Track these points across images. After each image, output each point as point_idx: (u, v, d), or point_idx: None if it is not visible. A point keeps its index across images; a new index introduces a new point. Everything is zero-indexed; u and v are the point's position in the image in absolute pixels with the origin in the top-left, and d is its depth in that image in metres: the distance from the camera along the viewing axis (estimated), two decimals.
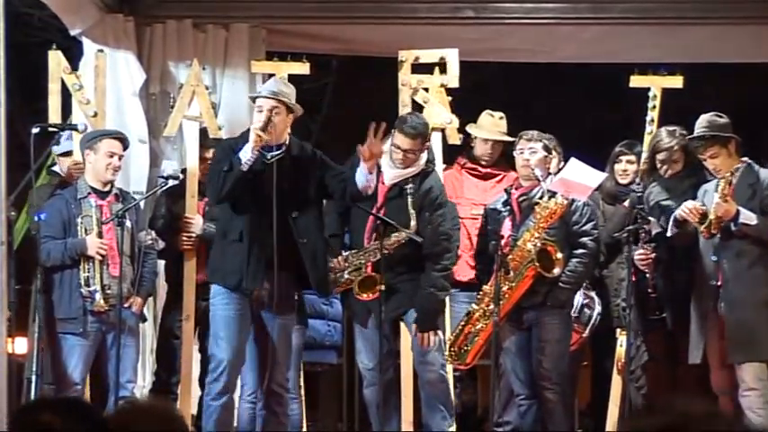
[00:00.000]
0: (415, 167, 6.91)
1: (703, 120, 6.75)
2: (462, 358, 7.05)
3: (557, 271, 6.79)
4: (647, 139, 7.45)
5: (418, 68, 7.75)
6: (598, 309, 7.30)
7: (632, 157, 7.51)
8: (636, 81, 7.61)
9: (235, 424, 6.99)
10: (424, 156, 6.97)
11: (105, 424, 2.80)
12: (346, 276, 6.93)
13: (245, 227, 6.39)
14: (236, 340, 6.49)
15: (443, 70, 7.71)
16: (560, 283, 6.83)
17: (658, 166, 7.03)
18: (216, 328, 6.54)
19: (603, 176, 7.06)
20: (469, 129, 7.83)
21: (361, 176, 6.36)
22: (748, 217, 6.53)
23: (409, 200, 6.82)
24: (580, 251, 6.89)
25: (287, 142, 6.51)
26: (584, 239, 6.90)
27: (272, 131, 6.40)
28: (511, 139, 7.73)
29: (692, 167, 6.79)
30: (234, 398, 6.68)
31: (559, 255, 6.78)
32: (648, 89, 7.54)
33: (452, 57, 7.76)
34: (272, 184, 6.35)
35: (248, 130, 6.54)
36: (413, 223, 6.80)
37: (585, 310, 7.25)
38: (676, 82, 7.57)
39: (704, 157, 6.68)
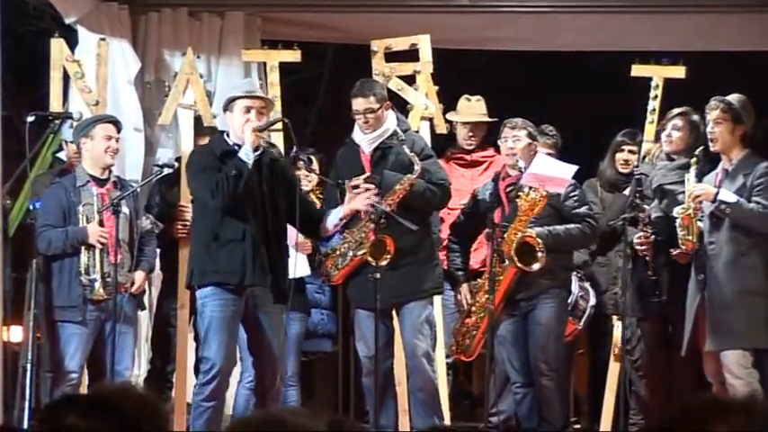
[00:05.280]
0: (384, 128, 6.91)
1: (736, 95, 6.71)
2: (467, 350, 7.06)
3: (536, 266, 6.79)
4: (648, 128, 7.44)
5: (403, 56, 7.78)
6: (592, 301, 7.33)
7: (634, 147, 7.53)
8: (637, 70, 7.59)
9: (230, 411, 7.01)
10: (393, 118, 6.97)
11: (132, 423, 2.77)
12: (351, 255, 6.89)
13: (246, 226, 6.36)
14: (229, 344, 6.43)
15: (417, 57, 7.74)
16: (551, 232, 6.82)
17: (663, 139, 7.02)
18: (208, 330, 6.42)
19: (575, 168, 7.03)
20: (449, 116, 7.87)
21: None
22: (728, 195, 6.51)
23: (404, 147, 6.82)
24: (584, 224, 6.92)
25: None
26: (586, 220, 6.93)
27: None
28: (490, 119, 7.75)
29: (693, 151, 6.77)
30: (227, 396, 6.67)
31: (543, 247, 6.77)
32: (650, 79, 7.53)
33: (424, 43, 7.76)
34: (258, 184, 6.38)
35: (220, 134, 6.59)
36: (417, 167, 6.77)
37: (580, 302, 7.27)
38: (678, 72, 7.56)
39: (709, 119, 6.64)
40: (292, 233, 6.74)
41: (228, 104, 6.52)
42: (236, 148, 6.42)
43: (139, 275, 7.08)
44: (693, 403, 2.55)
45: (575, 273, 7.25)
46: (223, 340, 6.39)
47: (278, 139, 7.58)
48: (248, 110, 6.44)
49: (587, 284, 7.37)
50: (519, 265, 6.79)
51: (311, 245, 7.22)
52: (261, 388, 6.59)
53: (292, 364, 7.23)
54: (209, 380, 6.42)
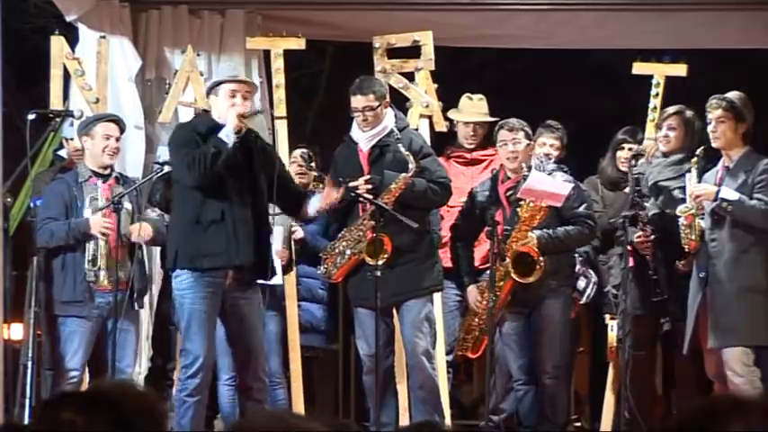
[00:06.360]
0: (382, 126, 6.90)
1: (736, 93, 6.71)
2: (474, 348, 7.08)
3: (532, 279, 6.79)
4: (649, 126, 7.43)
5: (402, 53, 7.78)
6: (594, 278, 7.32)
7: (634, 145, 7.50)
8: (639, 68, 7.58)
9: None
10: (391, 115, 6.97)
11: (129, 420, 2.77)
12: (349, 253, 6.88)
13: (225, 207, 6.39)
14: (209, 336, 6.43)
15: (419, 53, 7.72)
16: (551, 236, 6.82)
17: (658, 138, 7.01)
18: (189, 322, 6.42)
19: (571, 186, 7.02)
20: (450, 114, 7.85)
21: (315, 203, 6.62)
22: (729, 193, 6.51)
23: (399, 146, 6.80)
24: (583, 225, 6.92)
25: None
26: (584, 220, 6.92)
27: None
28: (492, 119, 7.73)
29: (691, 151, 6.77)
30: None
31: (542, 259, 6.76)
32: (651, 77, 7.52)
33: (427, 39, 7.74)
34: (240, 165, 6.40)
35: (204, 113, 6.67)
36: (411, 165, 6.77)
37: (582, 278, 7.27)
38: (680, 70, 7.55)
39: (711, 117, 6.63)
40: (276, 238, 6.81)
41: (213, 88, 6.55)
42: (220, 124, 6.45)
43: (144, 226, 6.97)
44: (711, 402, 2.54)
45: (577, 255, 7.24)
46: (205, 333, 6.40)
47: (281, 127, 7.59)
48: (233, 94, 6.46)
49: (588, 267, 7.37)
50: (515, 277, 6.80)
51: (287, 254, 7.22)
52: (244, 380, 6.54)
53: (276, 363, 7.20)
54: (192, 374, 6.40)
